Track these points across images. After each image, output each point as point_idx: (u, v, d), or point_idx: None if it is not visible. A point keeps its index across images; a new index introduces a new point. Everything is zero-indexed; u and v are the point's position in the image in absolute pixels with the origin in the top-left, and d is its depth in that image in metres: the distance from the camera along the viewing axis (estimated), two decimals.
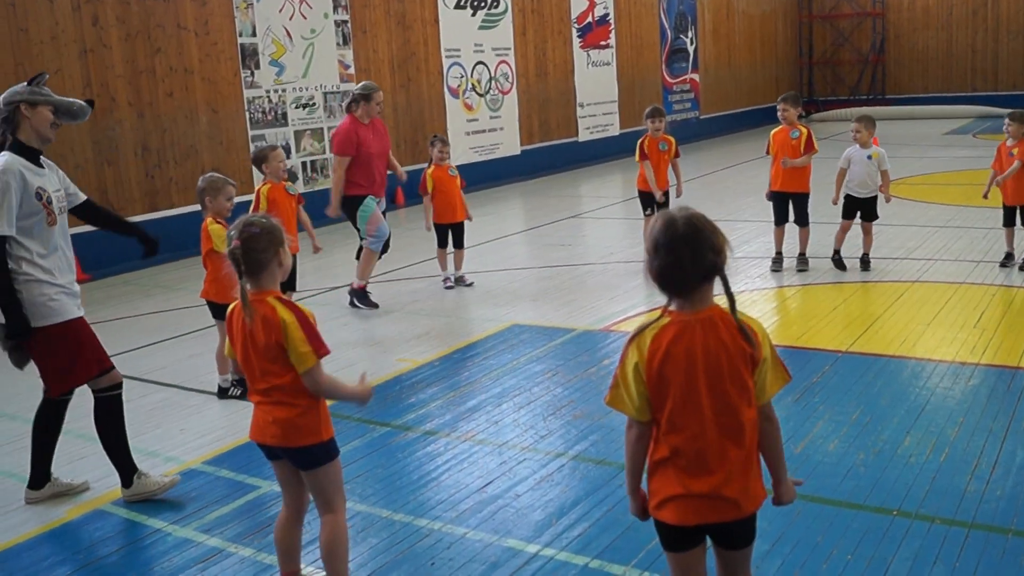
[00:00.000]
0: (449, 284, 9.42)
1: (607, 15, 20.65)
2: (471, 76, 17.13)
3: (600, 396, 6.07)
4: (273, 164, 7.40)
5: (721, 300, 2.82)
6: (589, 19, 20.07)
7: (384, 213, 8.88)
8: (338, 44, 14.50)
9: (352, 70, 14.58)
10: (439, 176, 9.30)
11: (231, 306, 3.74)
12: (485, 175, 16.89)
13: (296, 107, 13.86)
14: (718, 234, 2.81)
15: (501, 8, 17.63)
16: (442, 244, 9.47)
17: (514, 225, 13.21)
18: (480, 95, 17.27)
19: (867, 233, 9.10)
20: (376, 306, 8.76)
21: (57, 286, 4.82)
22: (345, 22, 14.59)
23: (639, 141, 9.85)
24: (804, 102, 8.58)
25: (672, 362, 2.81)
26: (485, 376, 6.71)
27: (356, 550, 4.27)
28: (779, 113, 9.39)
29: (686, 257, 2.75)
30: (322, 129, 14.15)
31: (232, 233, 3.63)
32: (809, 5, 29.79)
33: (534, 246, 11.29)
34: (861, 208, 9.08)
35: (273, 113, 13.54)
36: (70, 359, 4.86)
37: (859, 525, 4.29)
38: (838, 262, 9.16)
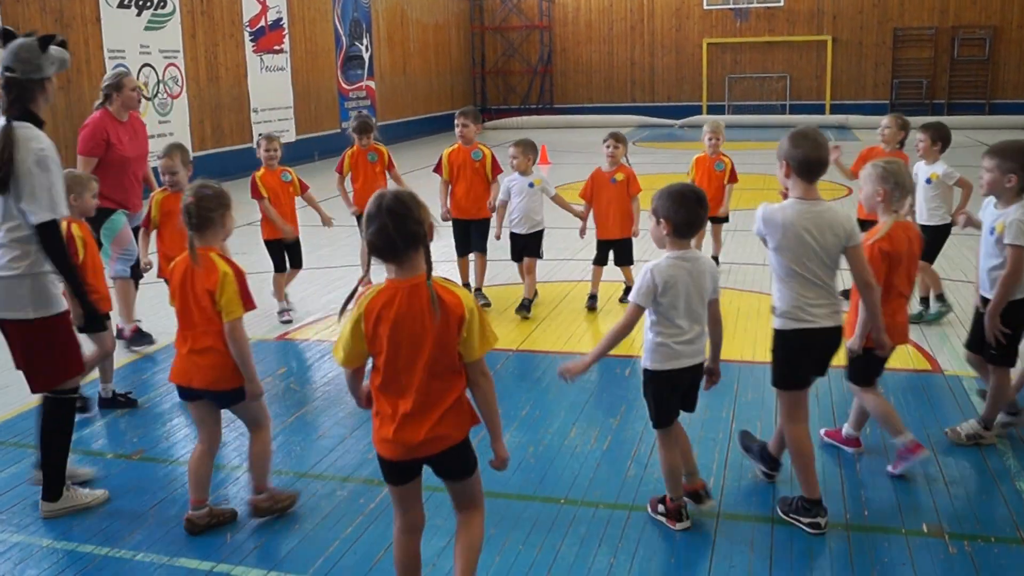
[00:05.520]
0: (287, 318, 8.12)
1: (280, 19, 20.42)
2: (138, 79, 16.41)
3: (276, 405, 6.05)
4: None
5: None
6: (262, 23, 19.76)
7: (137, 230, 7.36)
8: None
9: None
10: (268, 182, 8.06)
11: (174, 261, 4.34)
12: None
13: None
14: (422, 208, 3.28)
15: (168, 9, 17.01)
16: (279, 267, 8.21)
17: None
18: (148, 99, 16.57)
19: (530, 273, 8.23)
20: (153, 341, 7.57)
21: (50, 275, 4.51)
22: None
23: (344, 153, 9.03)
24: (480, 111, 8.70)
25: (383, 322, 3.25)
26: (154, 392, 6.48)
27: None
28: (457, 129, 8.35)
29: (391, 226, 3.18)
30: None
31: (187, 191, 4.28)
32: (481, 16, 30.80)
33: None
34: (527, 245, 8.20)
35: None
36: (70, 350, 4.60)
37: (529, 515, 4.53)
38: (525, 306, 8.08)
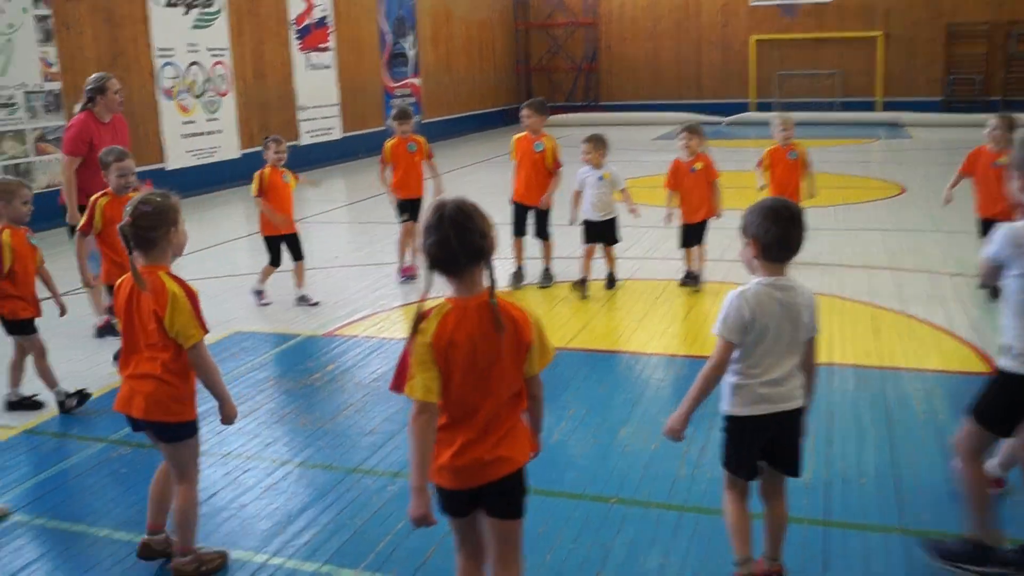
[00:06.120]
0: (265, 301, 8.57)
1: (326, 17, 20.51)
2: (186, 77, 16.57)
3: (326, 401, 6.12)
4: (111, 176, 6.49)
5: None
6: (308, 21, 19.87)
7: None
8: (39, 40, 13.63)
9: (56, 68, 13.77)
10: (273, 180, 8.48)
11: (119, 280, 3.93)
12: (203, 179, 16.37)
13: None
14: (485, 220, 3.04)
15: (215, 7, 17.15)
16: (274, 262, 8.63)
17: (234, 230, 12.89)
18: (196, 97, 16.72)
19: (608, 256, 8.73)
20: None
21: None
22: (47, 17, 13.74)
23: (385, 144, 9.40)
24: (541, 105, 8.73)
25: (455, 347, 3.01)
26: None
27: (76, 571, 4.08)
28: (523, 119, 8.95)
29: (452, 237, 2.95)
30: (24, 131, 13.27)
31: (127, 209, 3.84)
32: (526, 13, 30.74)
33: (255, 251, 11.05)
34: (601, 232, 8.64)
35: None
36: None
37: (579, 514, 4.49)
38: (582, 286, 8.53)
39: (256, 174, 8.51)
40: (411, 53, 24.31)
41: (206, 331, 3.88)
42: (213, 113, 17.16)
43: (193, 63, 16.66)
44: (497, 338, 3.02)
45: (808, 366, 3.67)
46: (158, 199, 3.87)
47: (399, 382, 3.12)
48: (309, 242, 11.92)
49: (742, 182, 9.45)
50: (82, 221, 6.63)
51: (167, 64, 16.08)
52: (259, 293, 8.68)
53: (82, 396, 6.16)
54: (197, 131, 16.75)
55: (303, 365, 6.92)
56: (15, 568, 4.21)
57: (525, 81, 31.07)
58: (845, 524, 4.35)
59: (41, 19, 13.63)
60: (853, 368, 6.35)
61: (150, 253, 3.85)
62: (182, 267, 9.44)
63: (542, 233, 9.03)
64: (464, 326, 3.02)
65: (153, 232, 3.82)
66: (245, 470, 5.15)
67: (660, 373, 6.51)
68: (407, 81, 24.10)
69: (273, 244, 8.63)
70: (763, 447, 3.68)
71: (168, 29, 16.03)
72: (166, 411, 3.87)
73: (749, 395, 3.59)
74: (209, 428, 5.71)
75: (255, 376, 6.75)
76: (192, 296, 3.85)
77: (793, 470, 3.72)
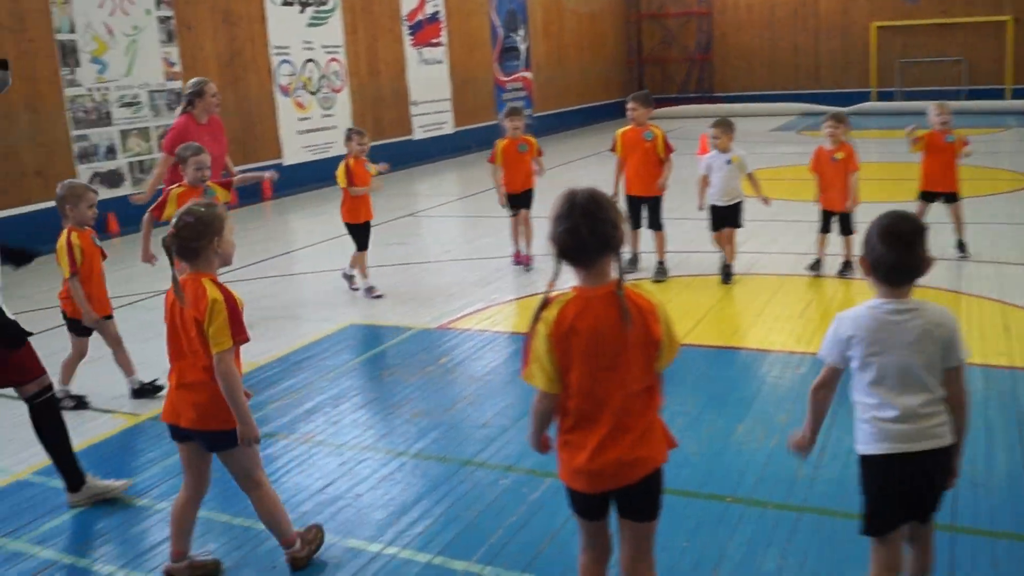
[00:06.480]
0: (356, 286, 9.00)
1: (437, 13, 20.66)
2: (301, 74, 16.88)
3: (440, 394, 6.15)
4: (190, 171, 7.03)
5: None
6: (420, 17, 20.05)
7: None
8: (162, 41, 14.05)
9: (178, 67, 14.17)
10: (358, 171, 8.77)
11: (168, 289, 3.86)
12: (318, 174, 16.62)
13: (120, 106, 13.37)
14: (617, 210, 2.98)
15: (330, 5, 17.43)
16: (362, 247, 8.95)
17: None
18: (311, 93, 17.03)
19: (729, 242, 8.69)
20: None
21: None
22: (169, 18, 14.15)
23: (496, 143, 9.57)
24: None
25: (575, 336, 2.93)
26: (322, 377, 6.64)
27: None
28: (629, 112, 8.99)
29: (583, 226, 2.88)
30: (148, 128, 13.70)
31: (172, 220, 3.82)
32: (637, 4, 30.48)
33: (371, 245, 11.22)
34: (726, 216, 8.64)
35: (97, 112, 13.02)
36: (12, 360, 4.65)
37: (694, 512, 4.41)
38: (726, 272, 8.61)
39: (342, 165, 8.76)
40: (522, 47, 24.34)
41: (243, 339, 3.79)
42: (328, 109, 17.45)
43: (308, 60, 16.96)
44: (623, 329, 2.92)
45: (954, 399, 3.22)
46: (202, 210, 3.84)
47: (524, 369, 3.07)
48: (421, 236, 12.06)
49: (867, 174, 9.15)
50: (154, 205, 7.19)
51: (283, 62, 16.41)
52: (350, 278, 8.99)
53: (80, 401, 6.36)
54: (312, 127, 17.06)
55: (416, 358, 6.97)
56: (149, 545, 4.33)
57: (637, 73, 30.81)
58: (973, 530, 4.18)
59: (163, 20, 14.04)
60: (981, 368, 6.09)
61: (195, 263, 3.83)
62: (299, 261, 9.61)
63: (655, 224, 9.05)
64: (587, 315, 2.93)
65: (196, 242, 3.79)
66: (360, 461, 5.20)
67: (777, 370, 6.36)
68: (518, 75, 24.13)
69: (358, 231, 8.90)
70: (902, 492, 3.23)
71: (284, 27, 16.36)
72: (216, 419, 3.81)
73: (874, 431, 3.21)
74: (325, 419, 5.83)
75: (369, 368, 6.82)
76: (232, 303, 3.78)
77: (926, 516, 3.33)
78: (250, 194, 15.22)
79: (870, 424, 3.22)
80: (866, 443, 3.23)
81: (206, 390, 3.79)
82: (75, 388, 6.38)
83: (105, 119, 13.15)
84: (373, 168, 8.88)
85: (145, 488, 4.98)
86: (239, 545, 4.34)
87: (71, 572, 4.23)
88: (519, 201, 9.55)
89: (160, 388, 6.34)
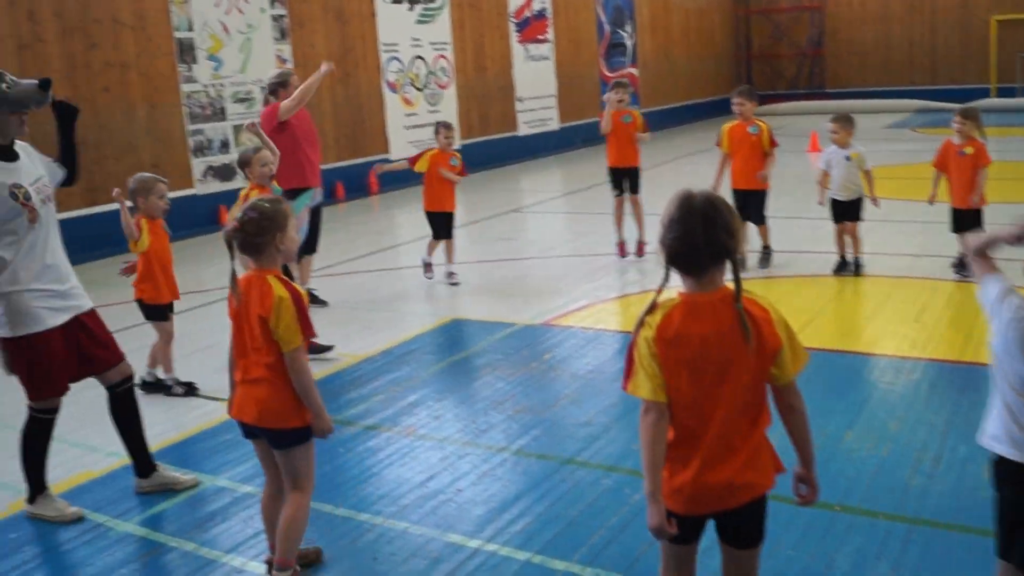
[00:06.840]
0: (429, 275, 9.25)
1: (544, 9, 20.67)
2: (409, 70, 17.05)
3: (542, 391, 6.14)
4: (255, 168, 6.97)
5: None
6: (527, 13, 20.08)
7: (318, 209, 8.37)
8: (275, 39, 14.36)
9: (290, 64, 14.44)
10: (441, 162, 9.09)
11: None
12: None
13: (234, 101, 13.70)
14: (735, 216, 2.79)
15: (438, 3, 17.57)
16: (437, 236, 9.28)
17: (456, 218, 13.13)
18: (419, 89, 17.20)
19: (852, 235, 8.67)
20: (325, 303, 8.57)
21: (33, 291, 4.50)
22: (282, 16, 14.44)
23: (603, 115, 9.77)
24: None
25: (681, 345, 2.73)
26: (426, 371, 6.69)
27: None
28: (735, 107, 9.11)
29: (699, 232, 2.69)
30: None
31: (236, 215, 3.79)
32: (746, 0, 30.06)
33: (475, 240, 11.28)
34: (846, 210, 8.59)
35: (211, 108, 13.37)
36: (37, 374, 4.60)
37: (801, 520, 4.28)
38: (841, 266, 8.67)
39: (428, 153, 9.09)
40: (629, 42, 24.19)
41: (312, 336, 3.78)
42: (434, 105, 17.60)
43: (417, 57, 17.13)
44: (733, 340, 2.72)
45: None
46: (266, 205, 3.78)
47: (627, 381, 2.84)
48: (526, 231, 12.07)
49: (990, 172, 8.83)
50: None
51: (392, 58, 16.60)
52: (427, 265, 9.22)
53: (190, 388, 6.51)
54: (419, 123, 17.22)
55: (519, 354, 6.97)
56: (254, 531, 4.42)
57: (746, 68, 30.37)
58: None
59: (277, 18, 14.34)
60: None
61: (258, 258, 3.78)
62: (404, 255, 9.69)
63: (759, 218, 9.11)
64: (693, 322, 2.73)
65: (260, 238, 3.73)
66: (461, 455, 5.22)
67: (889, 376, 6.18)
68: (625, 71, 23.99)
69: (438, 220, 9.16)
70: None
71: (394, 25, 16.56)
72: (277, 417, 3.77)
73: (1005, 435, 2.89)
74: (428, 412, 5.87)
75: (472, 363, 6.85)
76: (299, 300, 3.74)
77: None
78: (357, 188, 15.44)
79: (1002, 425, 2.89)
80: (999, 445, 2.91)
81: (269, 387, 3.75)
82: (181, 375, 6.55)
83: (219, 114, 13.49)
84: (459, 161, 9.19)
85: (250, 475, 5.08)
86: (340, 536, 4.39)
87: (177, 555, 4.33)
88: (622, 177, 9.64)
89: (195, 391, 6.50)
